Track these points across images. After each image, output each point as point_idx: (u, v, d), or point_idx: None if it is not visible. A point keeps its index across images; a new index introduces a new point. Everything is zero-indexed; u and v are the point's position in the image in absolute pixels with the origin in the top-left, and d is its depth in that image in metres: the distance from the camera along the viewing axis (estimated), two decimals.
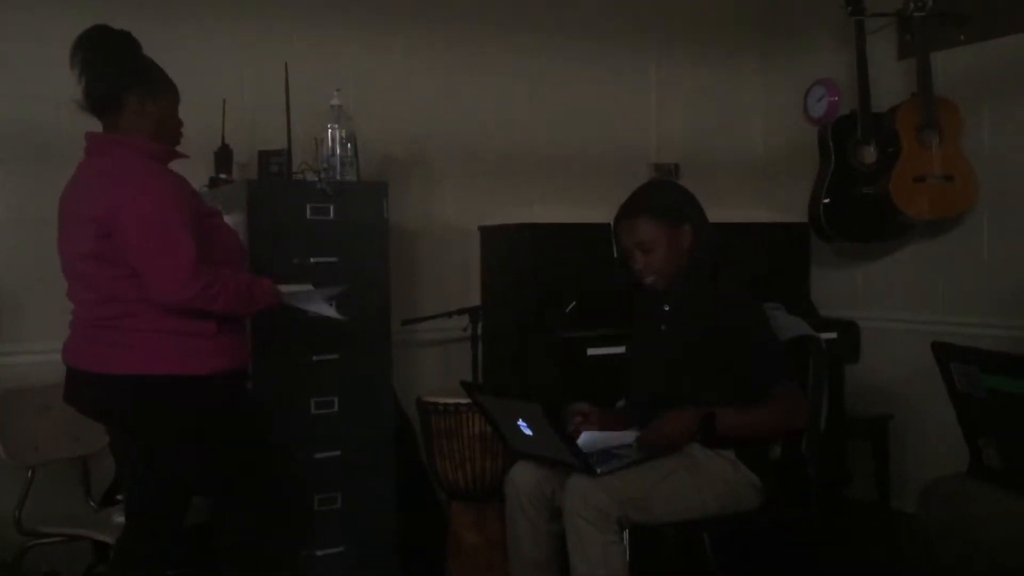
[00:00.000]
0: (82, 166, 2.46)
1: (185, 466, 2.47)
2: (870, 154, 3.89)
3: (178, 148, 2.53)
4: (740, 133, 4.65)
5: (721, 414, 2.45)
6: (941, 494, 2.26)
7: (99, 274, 2.35)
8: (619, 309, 3.06)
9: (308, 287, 2.74)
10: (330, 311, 2.71)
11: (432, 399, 3.28)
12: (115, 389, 2.36)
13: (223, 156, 3.38)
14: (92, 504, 3.12)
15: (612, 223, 2.67)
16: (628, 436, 2.56)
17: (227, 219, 2.66)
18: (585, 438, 2.57)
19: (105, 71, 2.38)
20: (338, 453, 3.21)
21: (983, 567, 2.14)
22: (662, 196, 2.66)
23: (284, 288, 2.59)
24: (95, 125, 2.47)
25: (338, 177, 3.27)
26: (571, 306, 3.61)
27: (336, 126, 3.29)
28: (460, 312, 3.57)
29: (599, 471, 2.41)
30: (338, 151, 3.28)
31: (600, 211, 3.69)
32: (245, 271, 2.56)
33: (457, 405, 3.17)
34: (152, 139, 2.42)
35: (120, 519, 2.83)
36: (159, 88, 2.44)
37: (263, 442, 2.61)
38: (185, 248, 2.27)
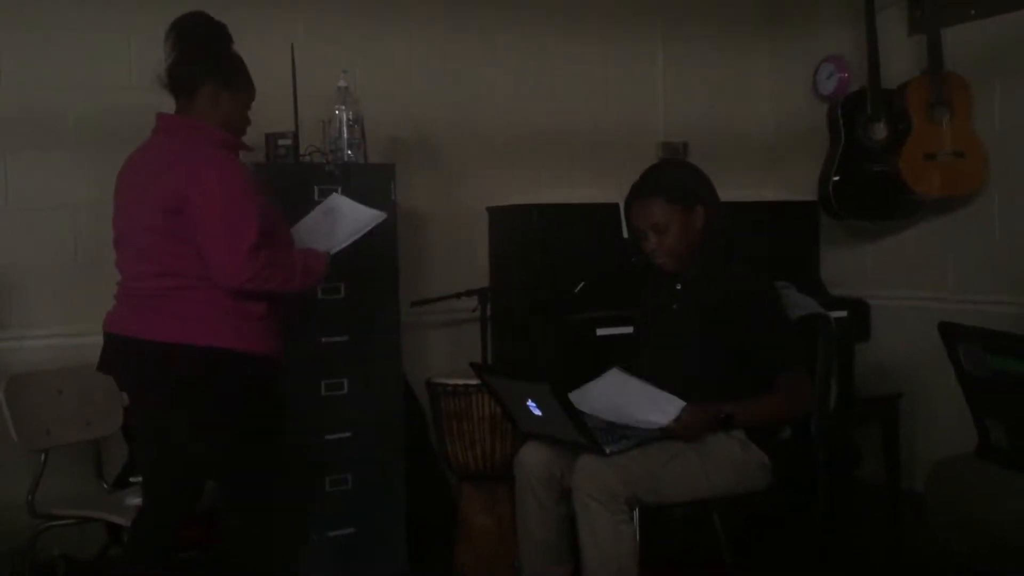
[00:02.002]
0: (150, 144, 2.51)
1: (206, 449, 2.47)
2: (880, 131, 3.86)
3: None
4: (749, 111, 4.62)
5: (737, 412, 2.47)
6: (949, 474, 2.26)
7: (165, 249, 2.39)
8: (628, 289, 3.05)
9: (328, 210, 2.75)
10: (364, 215, 2.72)
11: (441, 380, 3.28)
12: (162, 356, 2.39)
13: None
14: (105, 486, 3.14)
15: (623, 204, 2.66)
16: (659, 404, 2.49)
17: None
18: (615, 378, 2.51)
19: (193, 55, 2.46)
20: (348, 435, 3.22)
21: (990, 545, 2.14)
22: (674, 177, 2.65)
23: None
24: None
25: (345, 159, 3.26)
26: (580, 286, 3.60)
27: (343, 108, 3.28)
28: (469, 293, 3.56)
29: (608, 451, 2.42)
30: (345, 133, 3.28)
31: (609, 191, 3.69)
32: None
33: (467, 386, 3.18)
34: (222, 129, 2.49)
35: (132, 501, 2.85)
36: (237, 84, 2.51)
37: (282, 431, 2.61)
38: (248, 233, 2.32)
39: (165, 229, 2.37)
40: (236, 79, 2.51)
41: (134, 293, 2.45)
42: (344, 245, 2.68)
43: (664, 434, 2.46)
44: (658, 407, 2.44)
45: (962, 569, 2.24)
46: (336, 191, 3.14)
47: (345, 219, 2.71)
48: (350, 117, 3.28)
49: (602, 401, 2.49)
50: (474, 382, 3.04)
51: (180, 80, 2.46)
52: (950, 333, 2.22)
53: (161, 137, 2.50)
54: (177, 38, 2.46)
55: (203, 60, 2.46)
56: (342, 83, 3.30)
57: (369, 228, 2.74)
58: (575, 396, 2.46)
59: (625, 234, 2.70)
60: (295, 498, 2.67)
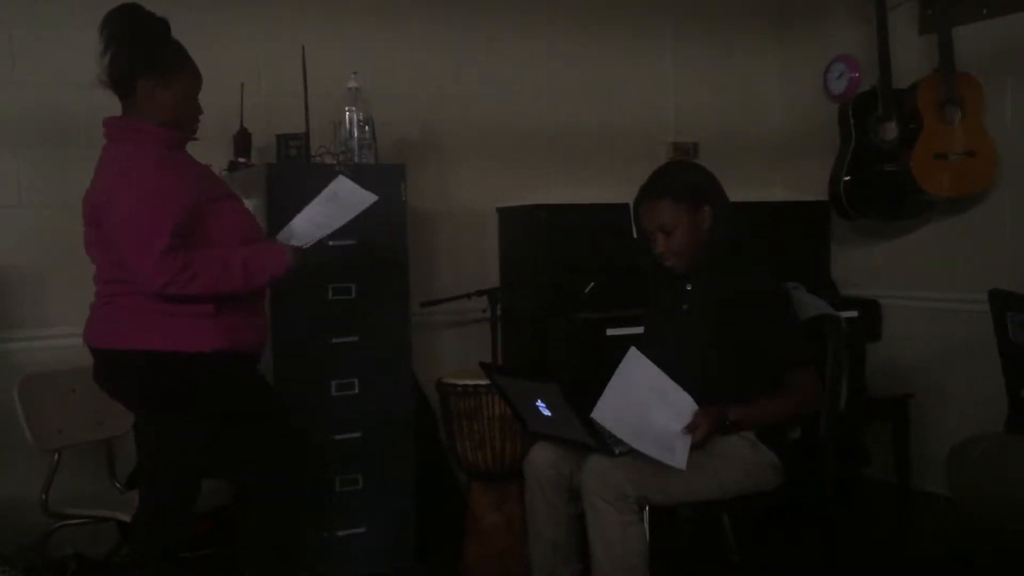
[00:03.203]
0: (102, 151, 2.49)
1: (185, 445, 2.49)
2: (891, 131, 3.85)
3: (196, 132, 2.53)
4: (759, 111, 4.62)
5: (742, 418, 2.47)
6: (975, 453, 2.22)
7: (104, 258, 2.44)
8: (638, 289, 3.05)
9: (315, 211, 2.58)
10: (361, 198, 2.59)
11: (451, 380, 3.29)
12: (114, 364, 2.44)
13: (242, 140, 3.40)
14: (117, 486, 3.15)
15: (632, 205, 2.67)
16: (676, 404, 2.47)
17: (246, 203, 2.67)
18: (635, 361, 2.47)
19: (122, 53, 2.39)
20: (358, 435, 3.23)
21: (1018, 517, 2.10)
22: (682, 178, 2.66)
23: (296, 233, 2.53)
24: (116, 109, 2.49)
25: (356, 160, 3.28)
26: (590, 287, 3.61)
27: (353, 109, 3.29)
28: (479, 294, 3.57)
29: (617, 452, 2.42)
30: (356, 134, 3.29)
31: (618, 191, 3.68)
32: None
33: (476, 386, 3.18)
34: (164, 125, 2.42)
35: None
36: (172, 76, 2.42)
37: (273, 426, 2.56)
38: (158, 237, 2.27)
39: (97, 239, 2.40)
40: (172, 69, 2.41)
41: (94, 303, 2.50)
42: (332, 230, 2.58)
43: None
44: (673, 410, 2.44)
45: (970, 563, 2.22)
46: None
47: (344, 204, 2.60)
48: (360, 118, 3.29)
49: (623, 407, 2.45)
50: (484, 382, 3.04)
51: (115, 79, 2.39)
52: (1000, 300, 2.17)
53: (106, 143, 2.48)
54: (107, 35, 2.38)
55: (134, 55, 2.38)
56: (352, 84, 3.31)
57: (359, 211, 2.62)
58: (601, 404, 2.41)
59: (635, 235, 2.70)
60: (296, 494, 2.61)
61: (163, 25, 2.44)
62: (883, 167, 3.85)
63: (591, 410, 2.39)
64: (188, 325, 2.36)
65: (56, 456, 2.97)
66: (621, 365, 2.46)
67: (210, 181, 2.54)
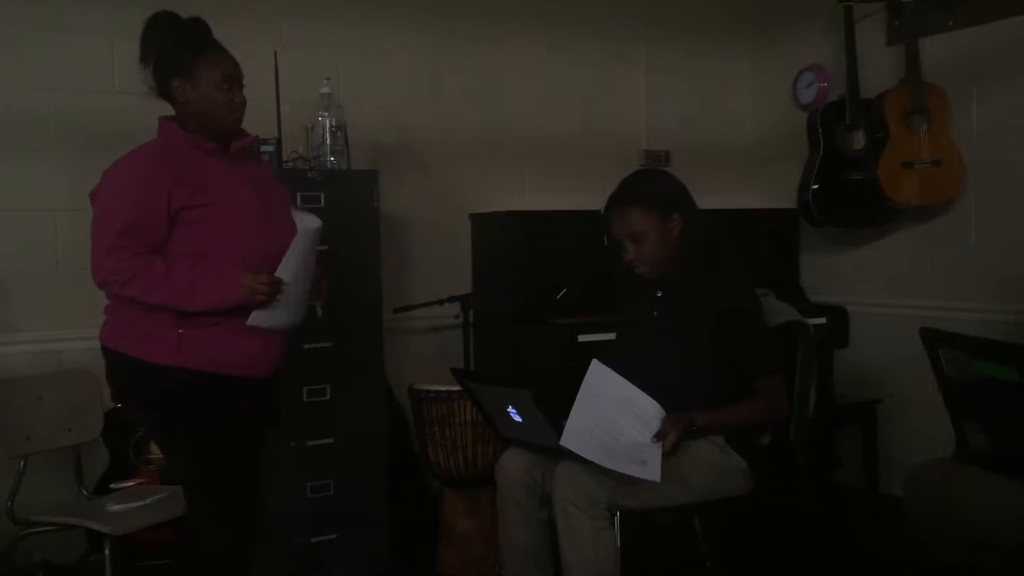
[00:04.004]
0: None
1: (163, 451, 2.50)
2: (859, 140, 3.89)
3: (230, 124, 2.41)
4: (730, 119, 4.66)
5: (710, 424, 2.50)
6: (927, 478, 2.29)
7: None
8: (609, 295, 3.08)
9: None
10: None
11: (424, 387, 3.29)
12: (105, 361, 2.41)
13: None
14: (85, 493, 3.12)
15: (602, 213, 2.68)
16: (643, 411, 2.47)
17: None
18: (599, 373, 2.47)
19: (148, 59, 2.37)
20: (330, 441, 3.22)
21: (971, 543, 2.17)
22: (652, 186, 2.67)
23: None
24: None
25: (328, 165, 3.27)
26: (562, 293, 3.62)
27: (326, 115, 3.29)
28: (451, 300, 3.58)
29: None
30: (328, 140, 3.29)
31: (590, 198, 3.69)
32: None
33: (449, 392, 3.19)
34: (201, 125, 2.36)
35: (113, 508, 2.86)
36: (194, 71, 2.34)
37: (233, 476, 2.39)
38: (106, 234, 2.24)
39: None
40: (192, 66, 2.34)
41: None
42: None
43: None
44: (640, 421, 2.45)
45: (943, 568, 2.27)
46: (319, 197, 3.16)
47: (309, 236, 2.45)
48: (333, 124, 3.29)
49: (591, 427, 2.43)
50: (456, 388, 3.05)
51: (154, 87, 2.38)
52: (932, 338, 2.24)
53: None
54: (140, 47, 2.38)
55: (157, 59, 2.36)
56: (325, 89, 3.31)
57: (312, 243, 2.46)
58: (569, 428, 2.39)
59: (605, 243, 2.71)
60: (227, 538, 2.37)
61: (174, 23, 2.38)
62: (851, 175, 3.89)
63: (562, 416, 2.40)
64: (147, 334, 2.31)
65: (22, 463, 2.93)
66: (585, 379, 2.47)
67: (214, 187, 2.33)
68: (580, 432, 2.39)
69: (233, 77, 2.38)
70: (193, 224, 2.29)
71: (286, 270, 2.35)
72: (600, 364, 2.48)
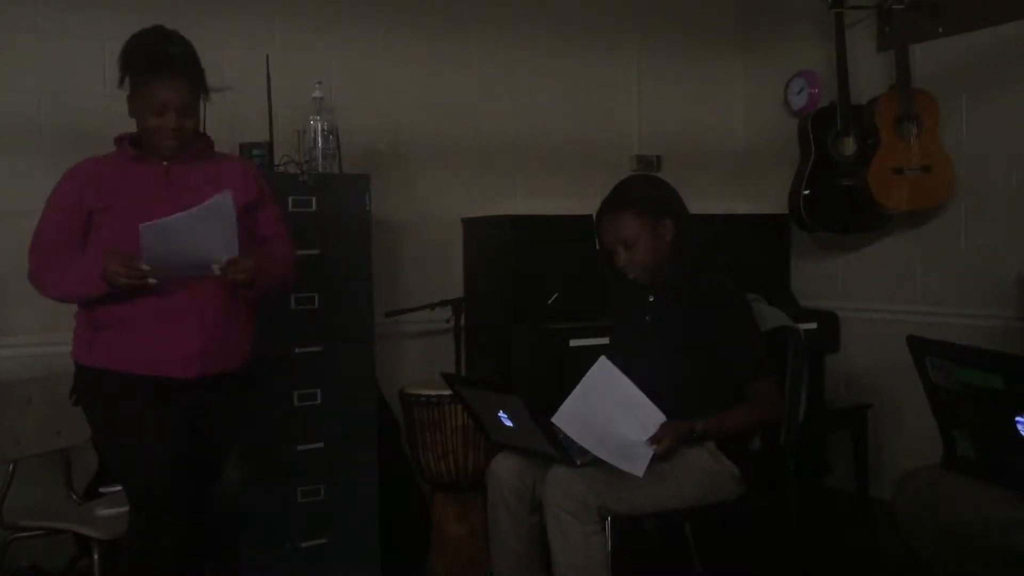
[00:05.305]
0: None
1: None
2: (849, 146, 3.91)
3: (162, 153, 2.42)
4: (721, 125, 4.67)
5: (709, 428, 2.51)
6: (915, 485, 2.30)
7: None
8: (601, 300, 3.08)
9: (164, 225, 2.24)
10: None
11: (415, 391, 3.29)
12: None
13: None
14: (74, 497, 3.10)
15: (594, 218, 2.69)
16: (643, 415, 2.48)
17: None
18: (604, 370, 2.48)
19: (119, 75, 2.43)
20: (321, 445, 3.21)
21: (959, 550, 2.18)
22: (644, 191, 2.68)
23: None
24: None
25: (320, 169, 3.27)
26: (554, 297, 3.62)
27: (318, 118, 3.28)
28: (443, 304, 3.57)
29: (579, 462, 2.43)
30: (320, 143, 3.28)
31: (582, 203, 3.71)
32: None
33: (440, 397, 3.18)
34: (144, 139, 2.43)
35: (102, 512, 2.84)
36: (133, 93, 2.39)
37: (132, 462, 2.38)
38: (34, 239, 2.43)
39: None
40: (135, 86, 2.37)
41: None
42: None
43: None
44: (638, 421, 2.46)
45: (930, 572, 2.28)
46: (311, 201, 3.16)
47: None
48: (325, 127, 3.28)
49: (585, 414, 2.46)
50: (447, 393, 3.05)
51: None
52: (918, 346, 2.25)
53: None
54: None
55: (119, 74, 2.40)
56: (317, 93, 3.30)
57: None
58: (563, 409, 2.43)
59: (597, 247, 2.72)
60: (142, 541, 2.39)
61: (132, 42, 2.41)
62: (842, 181, 3.91)
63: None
64: (75, 334, 2.45)
65: (11, 467, 2.92)
66: (589, 373, 2.48)
67: (126, 192, 2.37)
68: (572, 416, 2.42)
69: (167, 104, 2.34)
70: (97, 228, 2.39)
71: (152, 232, 2.22)
72: (607, 362, 2.49)
